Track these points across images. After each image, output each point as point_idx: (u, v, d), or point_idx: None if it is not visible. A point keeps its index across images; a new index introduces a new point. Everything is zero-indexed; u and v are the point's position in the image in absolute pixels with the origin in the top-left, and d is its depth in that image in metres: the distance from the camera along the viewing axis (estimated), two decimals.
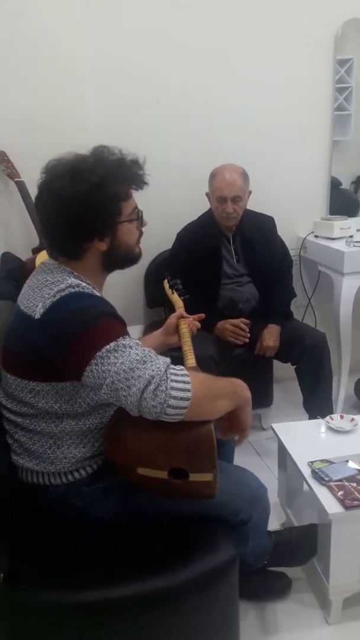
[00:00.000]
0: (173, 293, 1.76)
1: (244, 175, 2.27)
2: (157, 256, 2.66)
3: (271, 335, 2.30)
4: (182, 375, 1.07)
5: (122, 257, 1.31)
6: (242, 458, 2.33)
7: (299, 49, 2.61)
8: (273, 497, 1.95)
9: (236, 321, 2.27)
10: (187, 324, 1.57)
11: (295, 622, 1.56)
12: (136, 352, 1.08)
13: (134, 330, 2.27)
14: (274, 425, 1.85)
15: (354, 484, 1.50)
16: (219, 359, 2.17)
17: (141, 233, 1.35)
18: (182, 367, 1.11)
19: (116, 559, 1.17)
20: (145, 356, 1.08)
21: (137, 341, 1.12)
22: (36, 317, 1.13)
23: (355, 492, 1.47)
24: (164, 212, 2.58)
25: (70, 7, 2.27)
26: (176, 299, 1.73)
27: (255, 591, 1.62)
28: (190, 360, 1.42)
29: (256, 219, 2.42)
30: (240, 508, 1.32)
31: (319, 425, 1.84)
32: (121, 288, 2.69)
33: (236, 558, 1.20)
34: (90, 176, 1.17)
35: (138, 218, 1.31)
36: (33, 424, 1.22)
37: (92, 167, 1.19)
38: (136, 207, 1.30)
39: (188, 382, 1.06)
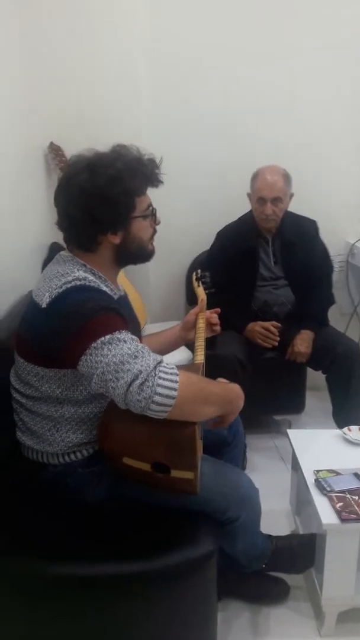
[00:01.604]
0: (199, 286, 1.79)
1: (286, 177, 2.25)
2: (199, 255, 2.69)
3: (303, 341, 2.26)
4: (171, 374, 1.11)
5: (135, 253, 1.35)
6: (266, 461, 2.36)
7: (355, 35, 2.53)
8: (286, 503, 1.94)
9: (266, 324, 2.25)
10: (205, 319, 1.60)
11: (287, 629, 1.55)
12: (129, 346, 1.12)
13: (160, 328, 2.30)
14: (290, 431, 1.83)
15: (356, 497, 1.47)
16: (245, 360, 2.17)
17: (155, 231, 1.39)
18: (174, 366, 1.14)
19: (96, 540, 1.22)
20: (137, 351, 1.12)
21: (133, 337, 1.16)
22: (43, 306, 1.19)
23: (355, 506, 1.43)
24: (207, 211, 2.62)
25: (130, 4, 2.35)
26: (200, 292, 1.75)
27: (250, 593, 1.62)
28: (199, 356, 1.45)
29: (297, 222, 2.38)
30: (228, 507, 1.33)
31: (336, 436, 1.79)
32: (163, 285, 2.76)
33: (213, 554, 1.22)
34: (108, 170, 1.23)
35: (152, 215, 1.35)
36: (35, 405, 1.30)
37: (110, 162, 1.25)
38: (150, 204, 1.34)
39: (176, 382, 1.10)
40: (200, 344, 1.50)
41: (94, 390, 1.16)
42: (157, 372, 1.09)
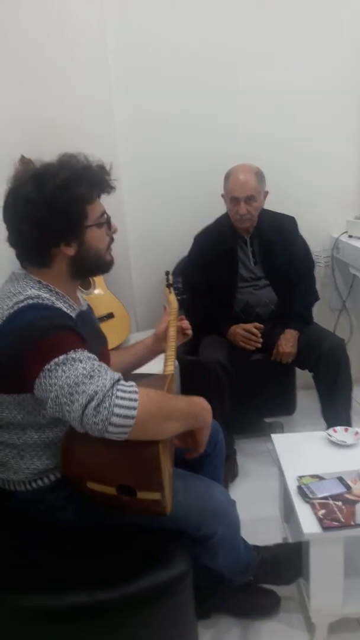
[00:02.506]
0: (170, 292, 1.75)
1: (259, 175, 2.20)
2: (181, 260, 2.65)
3: (288, 341, 2.21)
4: (130, 392, 1.05)
5: (93, 263, 1.30)
6: (258, 466, 2.31)
7: (334, 30, 2.48)
8: (275, 510, 1.89)
9: (248, 326, 2.21)
10: (176, 327, 1.56)
11: None
12: (84, 366, 1.07)
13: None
14: (274, 436, 1.79)
15: (339, 503, 1.42)
16: (229, 365, 2.12)
17: (112, 239, 1.35)
18: (133, 383, 1.09)
19: (64, 567, 1.17)
20: (93, 370, 1.07)
21: (89, 355, 1.11)
22: None
23: (338, 512, 1.38)
24: (184, 216, 2.57)
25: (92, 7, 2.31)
26: (172, 299, 1.71)
27: (240, 608, 1.57)
28: (170, 366, 1.40)
29: (275, 220, 2.33)
30: (202, 522, 1.28)
31: (321, 438, 1.74)
32: (147, 293, 2.71)
33: (187, 575, 1.17)
34: (54, 178, 1.19)
35: (107, 222, 1.30)
36: None
37: (56, 171, 1.21)
38: (104, 212, 1.30)
39: (135, 400, 1.05)
40: (171, 354, 1.45)
41: (51, 415, 1.12)
42: (114, 392, 1.04)
